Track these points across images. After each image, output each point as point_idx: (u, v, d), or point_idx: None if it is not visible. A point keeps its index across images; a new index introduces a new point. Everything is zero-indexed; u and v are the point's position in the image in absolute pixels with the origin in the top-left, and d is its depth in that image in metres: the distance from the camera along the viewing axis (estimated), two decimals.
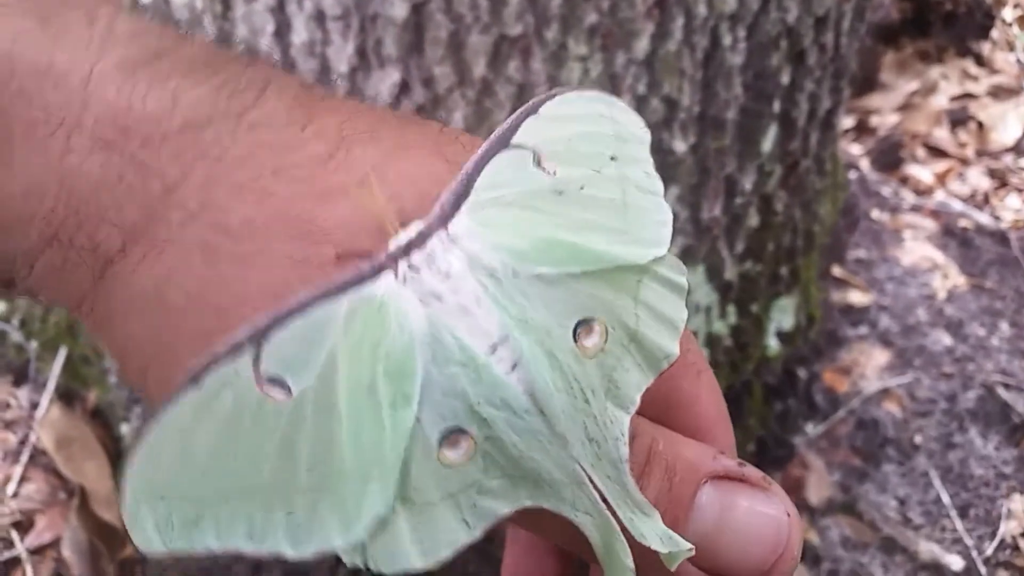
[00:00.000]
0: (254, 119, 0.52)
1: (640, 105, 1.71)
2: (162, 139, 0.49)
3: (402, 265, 0.49)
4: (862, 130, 3.52)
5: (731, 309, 2.06)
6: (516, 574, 0.71)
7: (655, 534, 0.54)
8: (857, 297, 2.68)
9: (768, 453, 2.31)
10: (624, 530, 0.53)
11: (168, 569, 1.74)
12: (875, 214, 3.07)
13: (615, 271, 0.54)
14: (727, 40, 1.74)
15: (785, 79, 1.86)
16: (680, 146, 1.78)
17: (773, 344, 2.20)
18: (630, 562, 0.53)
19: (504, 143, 0.53)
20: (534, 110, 0.54)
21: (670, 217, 0.56)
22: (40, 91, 0.49)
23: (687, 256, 1.93)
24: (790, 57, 1.84)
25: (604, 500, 0.53)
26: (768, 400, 2.28)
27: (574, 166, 0.54)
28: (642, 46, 1.66)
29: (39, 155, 0.49)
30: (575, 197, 0.54)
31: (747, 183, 1.91)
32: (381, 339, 0.49)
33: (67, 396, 2.14)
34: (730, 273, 2.00)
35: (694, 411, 0.62)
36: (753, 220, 1.97)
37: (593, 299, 0.53)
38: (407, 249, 0.50)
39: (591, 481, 0.52)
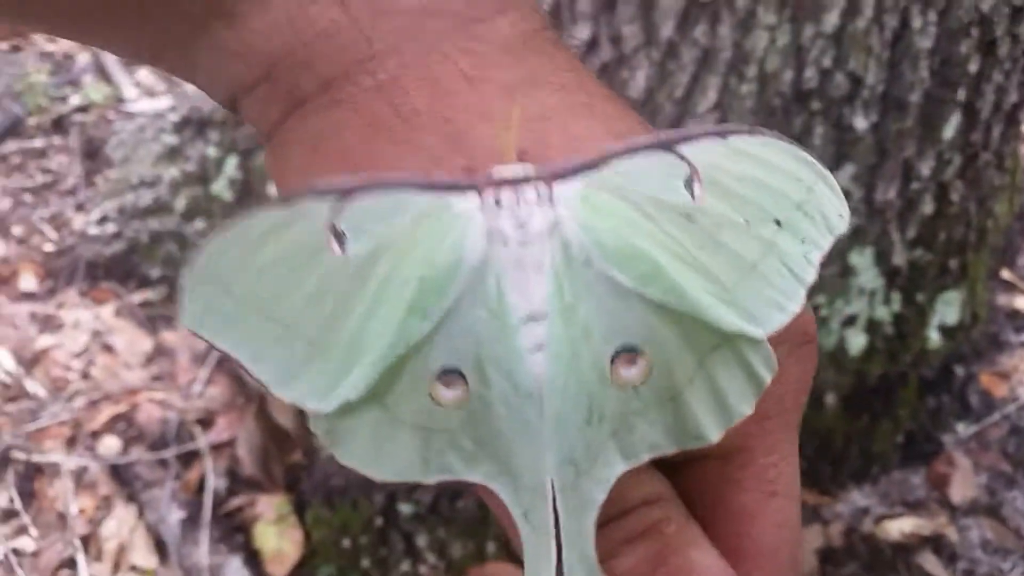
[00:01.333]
0: (478, 32, 0.54)
1: (824, 79, 1.74)
2: (390, 13, 0.53)
3: (490, 195, 0.48)
4: None
5: (896, 296, 2.05)
6: None
7: None
8: None
9: (916, 447, 2.29)
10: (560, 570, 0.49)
11: (333, 475, 1.88)
12: None
13: (693, 322, 0.49)
14: (917, 23, 1.73)
15: (973, 67, 1.83)
16: (861, 123, 1.79)
17: (934, 337, 2.17)
18: None
19: (666, 146, 0.49)
20: (722, 135, 0.50)
21: (794, 310, 0.50)
22: None
23: (857, 237, 1.94)
24: (980, 46, 1.82)
25: (558, 528, 0.49)
26: (922, 394, 2.26)
27: (727, 205, 0.50)
28: (831, 20, 1.68)
29: None
30: (702, 231, 0.49)
31: (925, 169, 1.90)
32: (436, 248, 0.48)
33: None
34: (899, 259, 1.99)
35: (741, 529, 0.55)
36: (927, 207, 1.95)
37: (652, 333, 0.49)
38: (502, 183, 0.48)
39: (554, 503, 0.49)
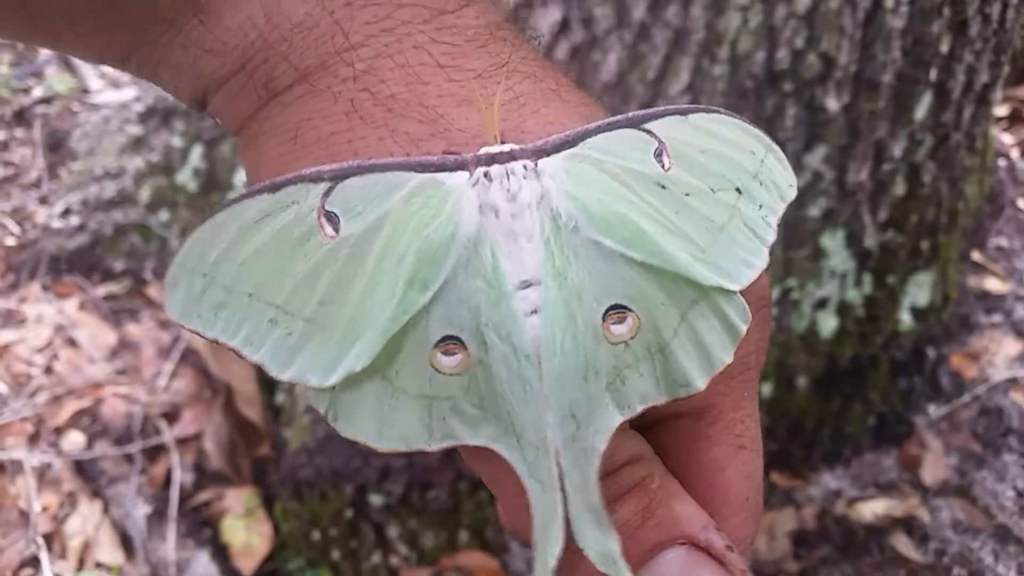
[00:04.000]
0: (448, 23, 0.57)
1: (796, 59, 1.72)
2: (363, 6, 0.56)
3: (479, 170, 0.52)
4: (1015, 120, 3.40)
5: (867, 278, 2.05)
6: None
7: (598, 548, 0.52)
8: (994, 285, 2.61)
9: (887, 429, 2.29)
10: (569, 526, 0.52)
11: (302, 467, 1.85)
12: (1021, 204, 2.97)
13: (674, 279, 0.54)
14: (889, 2, 1.72)
15: (944, 48, 1.83)
16: (833, 104, 1.78)
17: (906, 319, 2.17)
18: (553, 559, 0.51)
19: (634, 123, 0.54)
20: (682, 112, 0.55)
21: (761, 266, 0.56)
22: None
23: (828, 219, 1.93)
24: (952, 26, 1.81)
25: (562, 483, 0.52)
26: (893, 376, 2.26)
27: (693, 174, 0.54)
28: (804, 0, 1.67)
29: None
30: (674, 198, 0.54)
31: (896, 150, 1.89)
32: (430, 222, 0.51)
33: None
34: (870, 241, 1.99)
35: (713, 481, 0.59)
36: (899, 188, 1.95)
37: (638, 292, 0.53)
38: (491, 159, 0.52)
39: (557, 457, 0.51)
